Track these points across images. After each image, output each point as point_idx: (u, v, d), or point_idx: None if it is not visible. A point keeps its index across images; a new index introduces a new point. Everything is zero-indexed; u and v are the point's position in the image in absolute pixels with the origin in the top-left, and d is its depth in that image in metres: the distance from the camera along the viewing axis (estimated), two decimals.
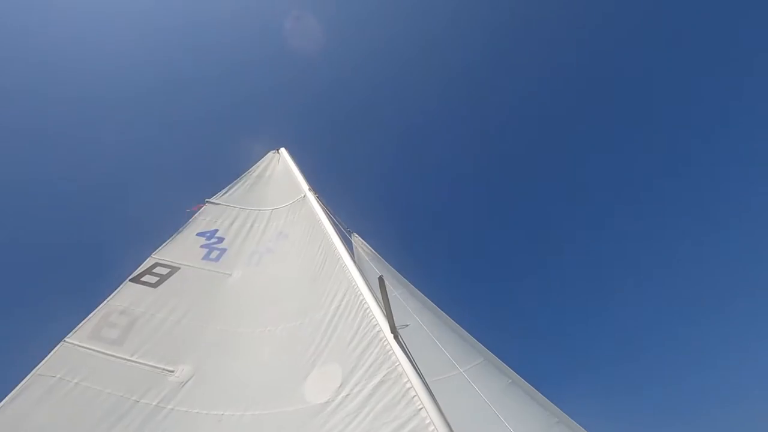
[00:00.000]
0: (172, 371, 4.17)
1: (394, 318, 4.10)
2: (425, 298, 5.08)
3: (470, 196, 21.69)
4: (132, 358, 4.12)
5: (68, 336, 4.04)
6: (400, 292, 4.47)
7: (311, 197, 6.73)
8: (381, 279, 3.58)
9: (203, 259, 5.75)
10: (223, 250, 6.05)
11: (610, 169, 19.75)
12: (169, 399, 3.91)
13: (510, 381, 4.26)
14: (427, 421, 3.08)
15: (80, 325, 4.21)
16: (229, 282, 5.57)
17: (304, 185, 7.14)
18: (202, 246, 5.96)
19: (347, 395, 3.68)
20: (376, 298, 4.35)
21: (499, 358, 4.43)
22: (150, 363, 4.16)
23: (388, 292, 3.75)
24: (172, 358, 4.31)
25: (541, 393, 4.10)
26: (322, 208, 6.37)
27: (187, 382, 4.12)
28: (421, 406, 3.20)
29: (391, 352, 3.71)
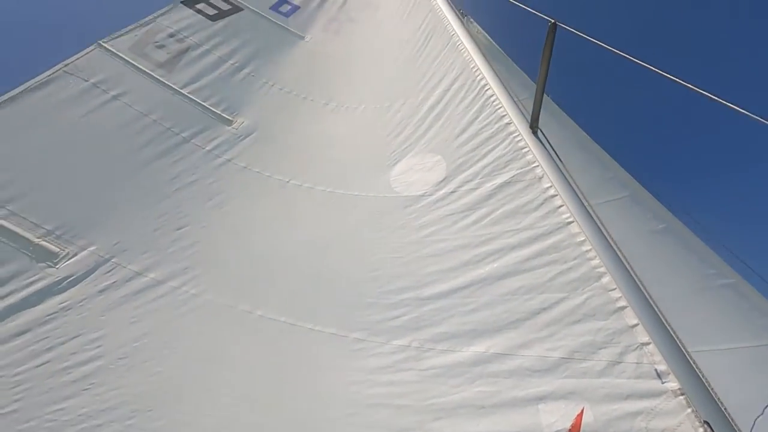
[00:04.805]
0: (231, 121, 3.32)
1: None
2: (561, 112, 3.92)
3: None
4: (183, 90, 3.23)
5: (104, 40, 3.09)
6: (525, 97, 3.26)
7: None
8: (553, 26, 2.32)
9: (271, 9, 4.49)
10: (296, 7, 4.74)
11: None
12: (224, 149, 3.12)
13: (665, 224, 3.35)
14: (581, 237, 2.18)
15: (120, 32, 3.23)
16: (300, 45, 4.41)
17: None
18: None
19: (452, 192, 2.79)
20: (504, 84, 3.17)
21: (654, 195, 3.45)
22: (204, 103, 3.28)
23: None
24: (230, 107, 3.43)
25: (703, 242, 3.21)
26: None
27: (246, 137, 3.30)
28: (570, 219, 2.28)
29: (527, 149, 2.67)
